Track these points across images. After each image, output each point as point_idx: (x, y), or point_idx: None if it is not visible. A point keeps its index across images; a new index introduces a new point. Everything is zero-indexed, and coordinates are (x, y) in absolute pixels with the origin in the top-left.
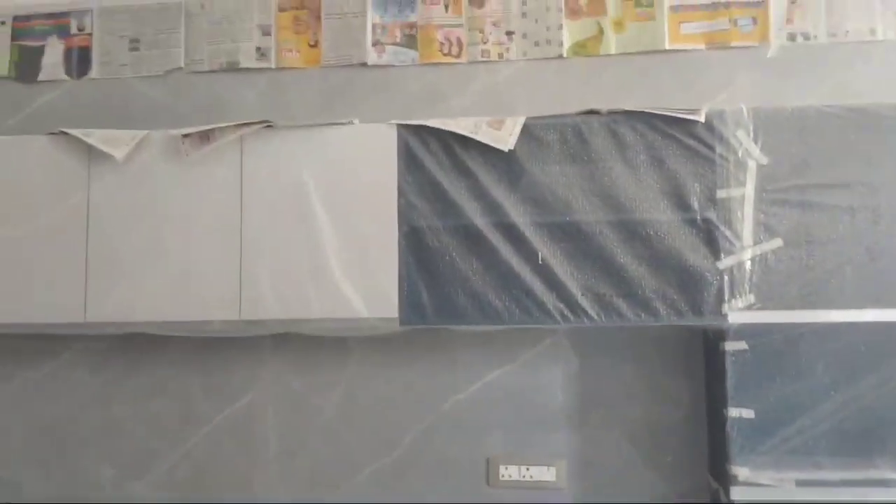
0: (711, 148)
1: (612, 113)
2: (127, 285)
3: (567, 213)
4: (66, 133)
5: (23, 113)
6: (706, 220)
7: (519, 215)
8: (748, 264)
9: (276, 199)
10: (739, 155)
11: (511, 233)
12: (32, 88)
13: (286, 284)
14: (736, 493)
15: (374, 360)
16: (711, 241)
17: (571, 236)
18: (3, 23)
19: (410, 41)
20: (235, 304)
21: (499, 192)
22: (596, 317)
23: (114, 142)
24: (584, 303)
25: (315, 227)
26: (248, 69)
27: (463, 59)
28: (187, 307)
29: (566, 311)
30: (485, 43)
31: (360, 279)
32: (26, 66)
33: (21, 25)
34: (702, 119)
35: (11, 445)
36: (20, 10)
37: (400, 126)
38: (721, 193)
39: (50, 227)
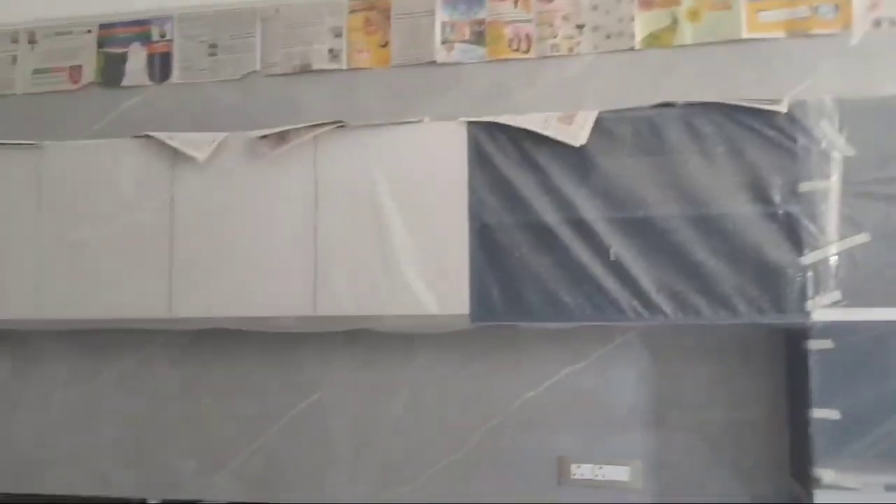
0: (793, 140)
1: (688, 105)
2: (208, 282)
3: (641, 208)
4: (150, 136)
5: (108, 117)
6: (788, 214)
7: (591, 211)
8: (833, 260)
9: (349, 198)
10: (823, 146)
11: (583, 228)
12: (117, 93)
13: (359, 281)
14: (820, 496)
15: (443, 358)
16: (794, 235)
17: (646, 232)
18: (89, 31)
19: (479, 38)
20: (310, 300)
21: (570, 188)
22: (672, 314)
23: (195, 144)
24: (660, 300)
25: (387, 224)
26: (320, 71)
27: (532, 55)
28: (264, 303)
29: (640, 309)
30: (554, 37)
31: (431, 276)
32: (111, 72)
33: (106, 33)
34: (784, 109)
35: (100, 437)
36: (105, 18)
37: (470, 123)
38: (804, 186)
39: (137, 227)
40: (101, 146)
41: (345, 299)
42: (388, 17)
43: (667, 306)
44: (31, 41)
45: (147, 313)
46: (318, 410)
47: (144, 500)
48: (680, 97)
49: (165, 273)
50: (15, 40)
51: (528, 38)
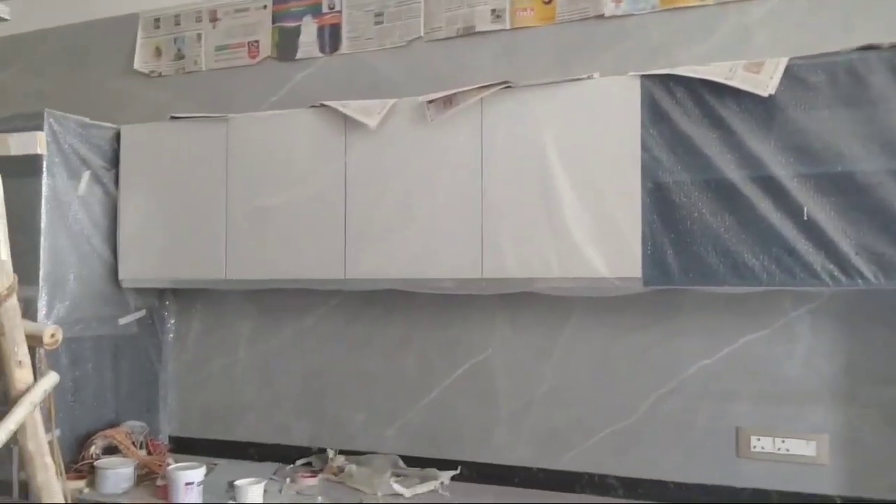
0: None
1: (895, 47)
2: (379, 245)
3: (838, 163)
4: (325, 105)
5: (284, 89)
6: None
7: (780, 167)
8: None
9: (516, 159)
10: None
11: (771, 186)
12: (291, 66)
13: (526, 243)
14: None
15: (608, 322)
16: None
17: (844, 189)
18: (264, 7)
19: None
20: (477, 262)
21: (755, 143)
22: (873, 278)
23: (367, 111)
24: (859, 263)
25: (555, 185)
26: (483, 32)
27: (709, 1)
28: (432, 265)
29: (836, 272)
30: None
31: (601, 238)
32: (285, 45)
33: (280, 8)
34: None
35: (281, 391)
36: None
37: (643, 77)
38: None
39: (314, 194)
40: (281, 117)
41: (512, 262)
42: None
43: (867, 270)
44: (213, 20)
45: (324, 275)
46: (482, 372)
47: (324, 449)
48: (881, 39)
49: (340, 236)
50: (199, 19)
51: None
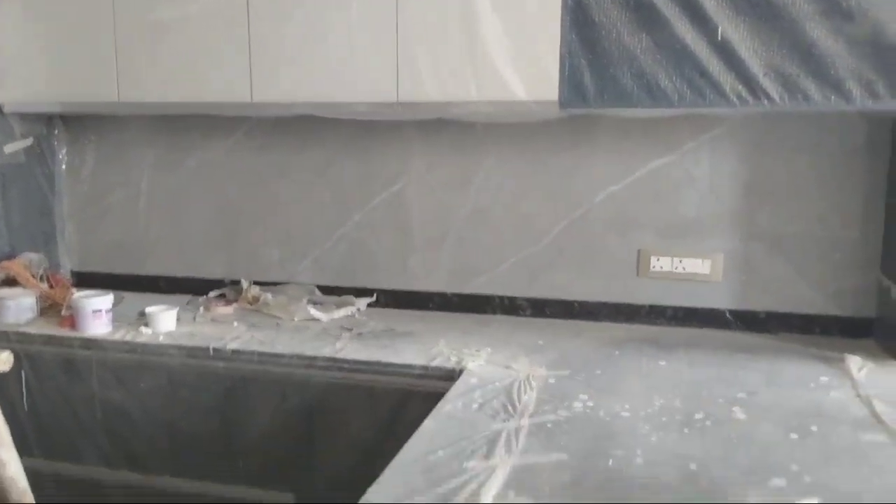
0: None
1: None
2: (289, 66)
3: None
4: None
5: None
6: None
7: None
8: None
9: None
10: None
11: (689, 4)
12: None
13: (443, 65)
14: None
15: (524, 149)
16: None
17: (758, 8)
18: None
19: None
20: (392, 86)
21: None
22: (779, 99)
23: None
24: (767, 83)
25: (473, 2)
26: None
27: None
28: (345, 89)
29: (745, 93)
30: None
31: (519, 59)
32: None
33: None
34: None
35: (193, 224)
36: None
37: None
38: None
39: (213, 6)
40: None
41: (428, 85)
42: None
43: (774, 91)
44: None
45: (229, 98)
46: (398, 201)
47: (238, 281)
48: None
49: (245, 56)
50: None
51: None
